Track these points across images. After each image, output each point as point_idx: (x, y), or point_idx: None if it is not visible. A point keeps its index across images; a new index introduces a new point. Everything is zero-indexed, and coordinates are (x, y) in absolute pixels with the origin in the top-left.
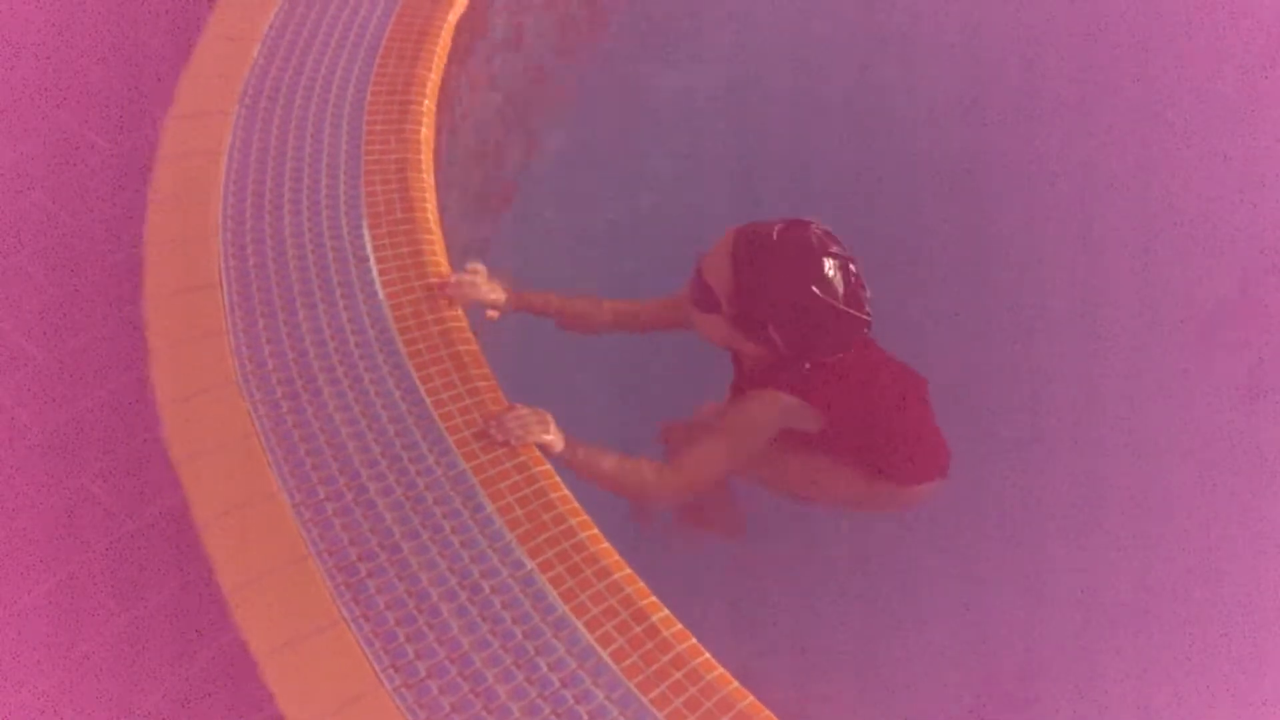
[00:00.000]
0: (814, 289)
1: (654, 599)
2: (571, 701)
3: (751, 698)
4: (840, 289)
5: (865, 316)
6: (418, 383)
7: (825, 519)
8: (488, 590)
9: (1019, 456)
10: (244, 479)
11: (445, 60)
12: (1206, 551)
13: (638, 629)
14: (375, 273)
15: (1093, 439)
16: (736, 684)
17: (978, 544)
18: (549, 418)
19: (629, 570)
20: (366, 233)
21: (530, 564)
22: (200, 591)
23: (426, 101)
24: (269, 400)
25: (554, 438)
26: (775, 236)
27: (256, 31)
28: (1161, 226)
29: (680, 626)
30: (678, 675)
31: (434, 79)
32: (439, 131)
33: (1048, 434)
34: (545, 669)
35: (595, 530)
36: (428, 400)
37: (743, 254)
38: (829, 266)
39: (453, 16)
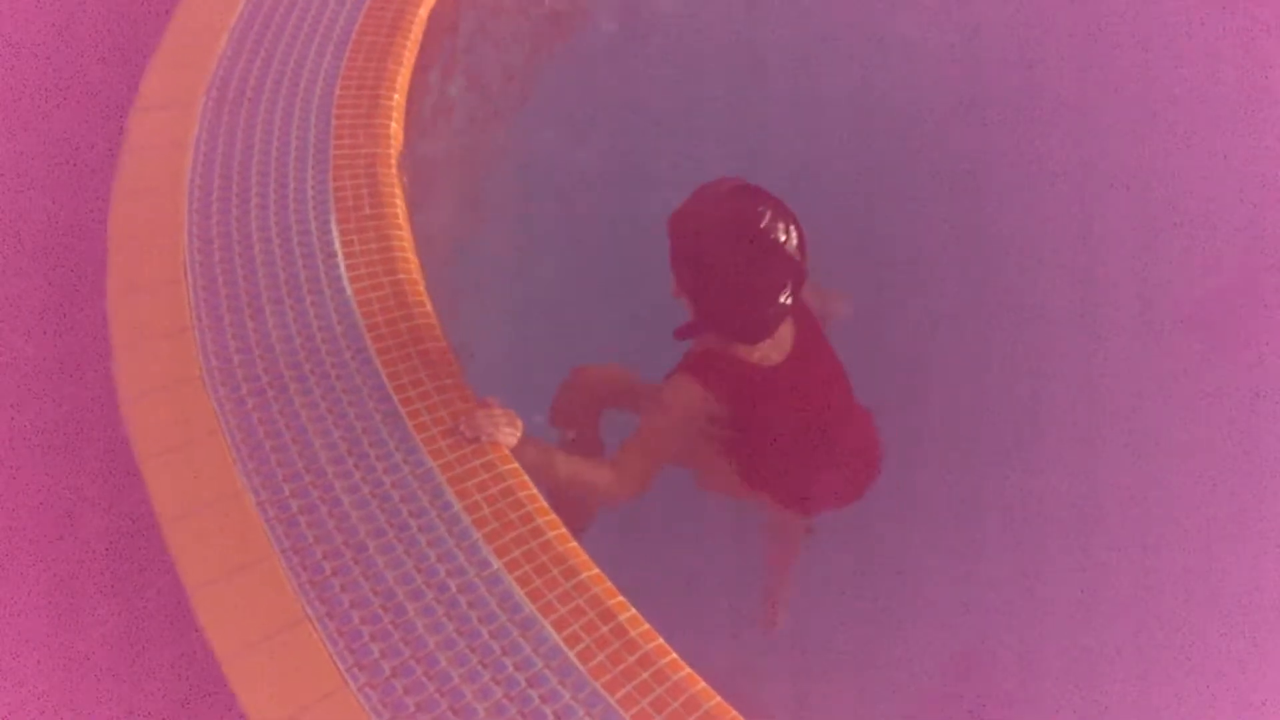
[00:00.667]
0: (718, 255)
1: (621, 599)
2: (538, 701)
3: (718, 698)
4: (747, 271)
5: (760, 308)
6: (385, 380)
7: (826, 519)
8: (454, 589)
9: (1019, 456)
10: (208, 477)
11: (416, 55)
12: (1206, 551)
13: (605, 629)
14: (343, 269)
15: (1093, 439)
16: (704, 684)
17: (978, 544)
18: (518, 418)
19: (596, 570)
20: (335, 228)
21: (497, 563)
22: None
23: (396, 96)
24: (234, 397)
25: (516, 438)
26: (720, 192)
27: (224, 23)
28: (1161, 226)
29: (647, 626)
30: (644, 675)
31: (404, 74)
32: (411, 127)
33: (1048, 434)
34: (511, 668)
35: (562, 530)
36: (395, 398)
37: (691, 198)
38: (751, 246)
39: (424, 11)
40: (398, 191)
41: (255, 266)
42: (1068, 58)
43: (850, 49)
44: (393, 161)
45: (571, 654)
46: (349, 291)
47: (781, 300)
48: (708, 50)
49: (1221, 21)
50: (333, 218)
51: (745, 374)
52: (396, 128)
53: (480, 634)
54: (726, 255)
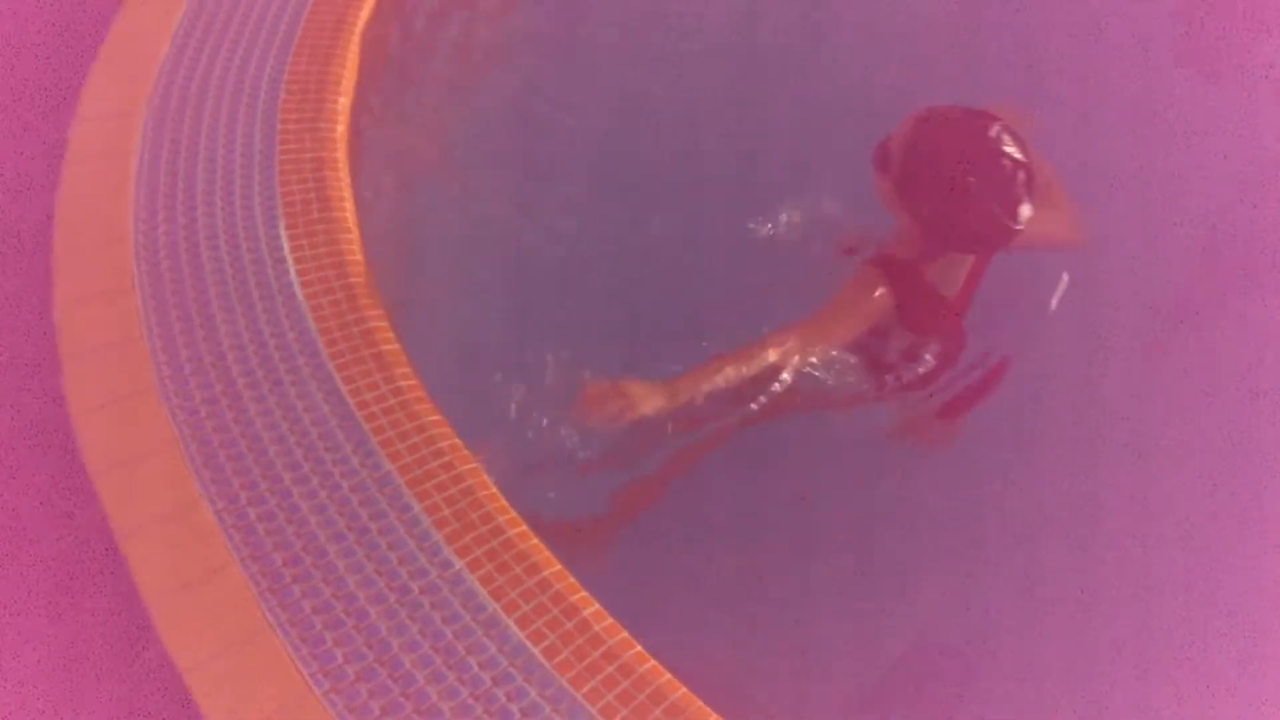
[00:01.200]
0: (950, 158)
1: (585, 594)
2: (504, 700)
3: (684, 689)
4: (984, 173)
5: (992, 215)
6: (340, 384)
7: (824, 519)
8: (416, 591)
9: (1019, 456)
10: (164, 488)
11: (360, 55)
12: (1206, 551)
13: (569, 625)
14: (294, 274)
15: (1093, 439)
16: (669, 676)
17: (978, 544)
18: (622, 383)
19: (559, 566)
20: (283, 233)
21: (459, 563)
22: None
23: (341, 99)
24: (188, 407)
25: (643, 397)
26: (960, 114)
27: (165, 29)
28: (1161, 226)
29: (611, 621)
30: (610, 669)
31: (349, 75)
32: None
33: (1048, 434)
34: (476, 668)
35: (524, 527)
36: (350, 401)
37: (925, 115)
38: (982, 149)
39: (366, 11)
40: (346, 195)
41: (204, 274)
42: (1068, 58)
43: (850, 49)
44: (340, 165)
45: (536, 651)
46: (300, 296)
47: (1018, 202)
48: (708, 50)
49: (1221, 21)
50: (281, 223)
51: (919, 288)
52: (343, 130)
53: (444, 635)
54: (960, 158)
